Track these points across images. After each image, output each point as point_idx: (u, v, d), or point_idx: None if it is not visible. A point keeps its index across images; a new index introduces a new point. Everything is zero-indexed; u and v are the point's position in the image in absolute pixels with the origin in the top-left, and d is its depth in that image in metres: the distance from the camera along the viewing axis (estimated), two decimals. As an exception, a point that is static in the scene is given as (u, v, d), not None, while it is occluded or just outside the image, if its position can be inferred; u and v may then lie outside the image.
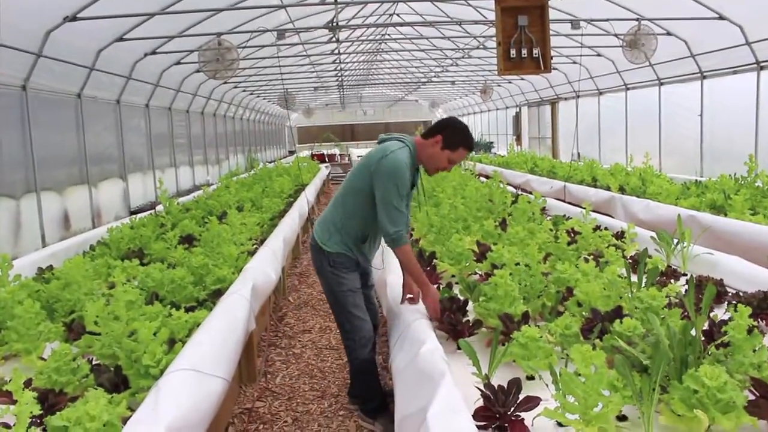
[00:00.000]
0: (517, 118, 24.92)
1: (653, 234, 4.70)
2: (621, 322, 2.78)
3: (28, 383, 2.77)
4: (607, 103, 16.04)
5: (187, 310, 3.94)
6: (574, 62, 15.36)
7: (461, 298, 3.62)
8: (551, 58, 8.00)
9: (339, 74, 19.47)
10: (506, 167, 15.21)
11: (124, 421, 2.33)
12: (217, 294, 4.27)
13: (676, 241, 4.61)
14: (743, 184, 7.81)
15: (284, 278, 6.60)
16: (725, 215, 6.71)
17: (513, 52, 7.88)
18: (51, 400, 2.60)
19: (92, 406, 2.26)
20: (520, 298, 3.20)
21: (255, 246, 6.07)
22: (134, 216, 7.77)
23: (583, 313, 3.18)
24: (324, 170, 16.76)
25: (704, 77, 11.61)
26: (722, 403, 2.11)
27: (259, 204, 8.71)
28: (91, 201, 8.90)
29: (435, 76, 21.99)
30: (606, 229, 5.65)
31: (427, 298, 3.54)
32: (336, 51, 14.58)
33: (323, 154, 22.31)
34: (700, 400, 2.12)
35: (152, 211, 8.42)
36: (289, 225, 7.27)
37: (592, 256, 4.51)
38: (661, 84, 13.15)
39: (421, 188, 3.98)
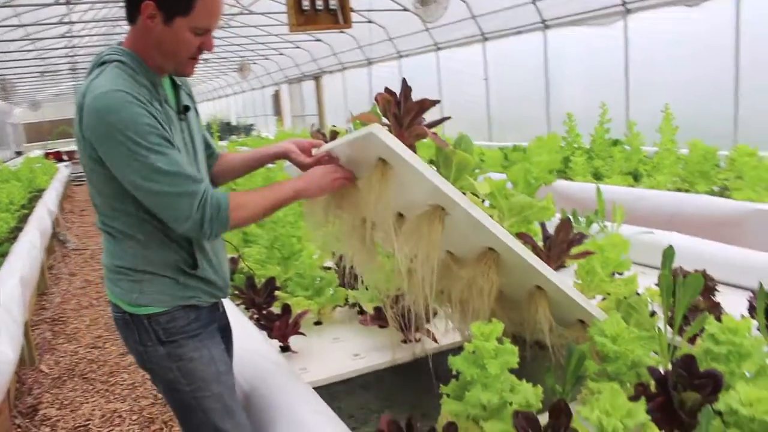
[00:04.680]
0: (276, 96, 23.55)
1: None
2: None
3: None
4: (380, 74, 15.20)
5: None
6: (342, 31, 14.30)
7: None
8: (351, 11, 6.68)
9: (71, 56, 16.38)
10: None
11: None
12: None
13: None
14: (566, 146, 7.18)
15: (29, 337, 4.42)
16: (571, 180, 5.94)
17: (306, 3, 6.41)
18: None
19: None
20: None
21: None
22: None
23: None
24: (64, 170, 13.89)
25: (486, 39, 11.11)
26: None
27: (-22, 224, 6.29)
28: None
29: (182, 56, 19.65)
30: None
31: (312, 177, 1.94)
32: (66, 19, 11.86)
33: (60, 152, 18.88)
34: None
35: None
36: (26, 253, 5.05)
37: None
38: (439, 49, 12.52)
39: (196, 128, 1.99)
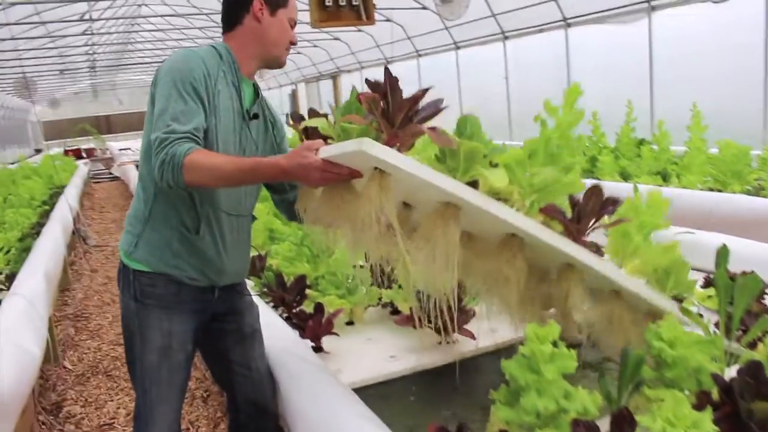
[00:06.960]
0: (294, 95, 23.50)
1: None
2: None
3: None
4: (398, 73, 15.08)
5: None
6: (360, 30, 14.23)
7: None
8: (374, 7, 6.60)
9: (91, 53, 16.41)
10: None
11: None
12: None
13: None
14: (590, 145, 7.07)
15: (53, 333, 4.37)
16: (599, 179, 5.83)
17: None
18: None
19: None
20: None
21: (-1, 288, 3.95)
22: None
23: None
24: (83, 167, 13.89)
25: (506, 38, 11.00)
26: None
27: (1, 219, 6.28)
28: None
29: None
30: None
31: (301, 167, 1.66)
32: (87, 16, 11.88)
33: (79, 149, 18.92)
34: None
35: None
36: (51, 246, 5.03)
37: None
38: (458, 48, 12.43)
39: (264, 132, 2.11)
